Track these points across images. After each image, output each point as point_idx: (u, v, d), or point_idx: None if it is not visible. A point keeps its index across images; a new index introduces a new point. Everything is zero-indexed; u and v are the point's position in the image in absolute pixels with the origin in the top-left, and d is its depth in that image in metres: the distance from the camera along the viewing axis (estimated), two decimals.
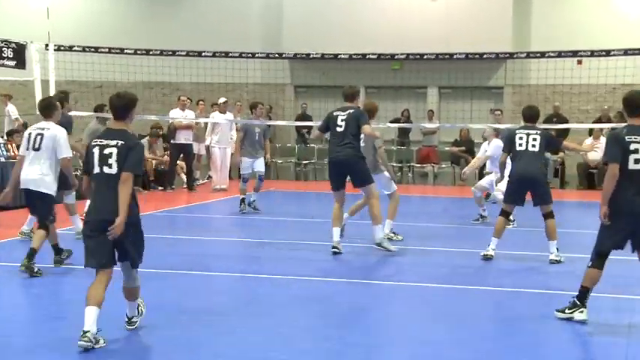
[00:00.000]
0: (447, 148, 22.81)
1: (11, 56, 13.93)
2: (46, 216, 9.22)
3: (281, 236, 12.53)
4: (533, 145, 10.20)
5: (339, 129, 10.70)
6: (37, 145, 9.13)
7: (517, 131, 10.48)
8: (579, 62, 18.26)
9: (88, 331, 6.20)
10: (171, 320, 7.56)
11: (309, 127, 20.75)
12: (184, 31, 23.90)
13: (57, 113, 9.43)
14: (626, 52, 14.19)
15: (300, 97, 24.65)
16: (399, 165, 22.17)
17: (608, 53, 14.41)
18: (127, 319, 6.90)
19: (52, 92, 14.36)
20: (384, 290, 9.36)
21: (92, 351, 6.26)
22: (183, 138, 18.97)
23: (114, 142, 6.44)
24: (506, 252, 10.77)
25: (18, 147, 17.11)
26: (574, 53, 15.01)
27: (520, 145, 10.26)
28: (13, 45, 13.99)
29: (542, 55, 16.00)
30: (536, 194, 10.38)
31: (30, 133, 9.26)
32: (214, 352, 6.63)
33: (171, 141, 19.06)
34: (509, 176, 10.54)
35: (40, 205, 9.27)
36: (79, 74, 16.16)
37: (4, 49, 13.80)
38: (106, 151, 6.43)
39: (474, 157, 21.82)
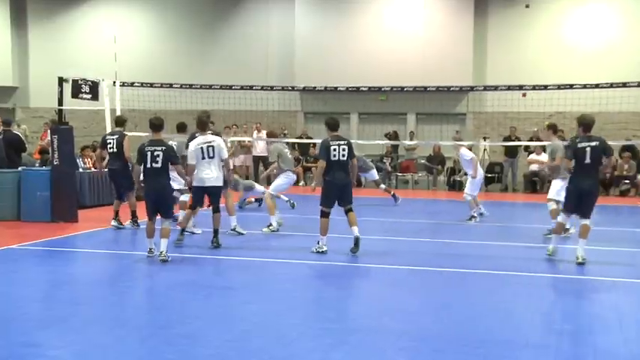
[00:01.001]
0: (422, 161, 23.02)
1: (88, 91, 13.93)
2: None
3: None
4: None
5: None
6: None
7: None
8: (524, 95, 18.48)
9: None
10: (204, 293, 7.81)
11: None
12: (218, 69, 24.19)
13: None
14: (559, 87, 14.38)
15: (309, 121, 24.89)
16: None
17: (545, 87, 14.57)
18: (161, 252, 8.93)
19: None
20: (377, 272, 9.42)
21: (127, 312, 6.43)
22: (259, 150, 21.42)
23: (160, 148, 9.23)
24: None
25: (93, 162, 17.42)
26: (520, 87, 15.20)
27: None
28: (90, 82, 14.05)
29: (496, 88, 16.18)
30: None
31: None
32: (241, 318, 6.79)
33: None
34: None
35: None
36: (139, 104, 16.35)
37: (82, 85, 13.84)
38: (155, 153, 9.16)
39: (443, 168, 22.22)
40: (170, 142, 10.00)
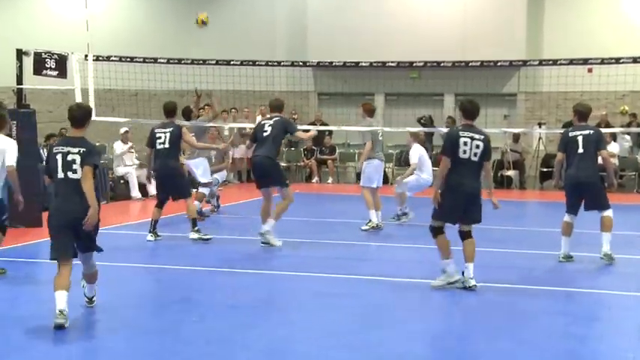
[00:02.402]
0: None
1: (54, 66, 13.93)
2: None
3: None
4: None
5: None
6: None
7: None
8: (590, 70, 18.22)
9: (63, 310, 6.79)
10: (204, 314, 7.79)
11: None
12: (214, 41, 24.11)
13: (7, 126, 9.41)
14: (635, 60, 14.15)
15: (323, 104, 24.77)
16: None
17: (617, 61, 14.34)
18: (87, 299, 7.61)
19: (91, 100, 14.54)
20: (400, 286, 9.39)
21: (140, 332, 6.45)
22: None
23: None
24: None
25: None
26: (585, 61, 14.95)
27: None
28: (56, 56, 14.04)
29: (554, 62, 15.92)
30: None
31: None
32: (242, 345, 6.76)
33: None
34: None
35: None
36: (117, 83, 16.28)
37: (47, 59, 13.82)
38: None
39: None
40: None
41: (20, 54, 13.72)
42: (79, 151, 6.90)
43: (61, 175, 6.95)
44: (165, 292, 8.95)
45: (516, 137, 21.70)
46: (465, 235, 8.62)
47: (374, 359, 6.41)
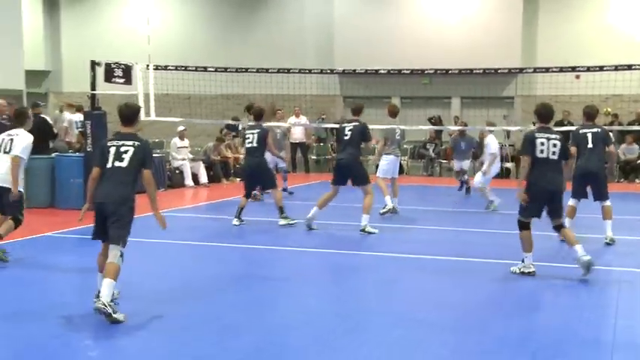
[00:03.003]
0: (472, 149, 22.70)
1: (121, 75, 14.03)
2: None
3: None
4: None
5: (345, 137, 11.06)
6: (7, 149, 8.46)
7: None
8: (577, 77, 18.11)
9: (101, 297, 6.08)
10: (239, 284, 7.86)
11: None
12: (254, 51, 24.19)
13: (28, 121, 8.90)
14: (616, 68, 14.04)
15: (348, 106, 24.75)
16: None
17: (601, 68, 14.23)
18: (97, 295, 6.23)
19: (152, 104, 14.68)
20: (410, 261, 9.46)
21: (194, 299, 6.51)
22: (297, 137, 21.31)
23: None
24: None
25: None
26: (573, 69, 14.85)
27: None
28: (123, 66, 14.18)
29: (547, 70, 15.82)
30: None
31: (3, 138, 8.57)
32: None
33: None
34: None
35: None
36: (173, 88, 16.41)
37: (115, 69, 13.96)
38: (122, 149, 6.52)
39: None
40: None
41: (94, 65, 13.88)
42: (133, 144, 6.49)
43: (109, 164, 6.45)
44: (215, 265, 8.96)
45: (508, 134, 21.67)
46: (558, 228, 8.31)
47: (393, 320, 6.46)
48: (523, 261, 8.23)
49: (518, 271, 8.22)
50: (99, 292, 6.17)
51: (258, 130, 11.88)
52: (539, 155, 8.03)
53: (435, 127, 21.57)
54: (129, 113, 6.72)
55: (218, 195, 16.23)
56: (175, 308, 6.71)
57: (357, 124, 11.13)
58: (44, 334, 5.92)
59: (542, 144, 8.04)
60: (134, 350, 5.65)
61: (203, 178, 18.19)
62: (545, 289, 7.86)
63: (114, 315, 6.02)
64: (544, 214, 8.26)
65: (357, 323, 6.41)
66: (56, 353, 5.46)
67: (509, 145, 21.51)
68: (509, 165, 21.40)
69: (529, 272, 8.15)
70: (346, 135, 11.05)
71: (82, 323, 6.18)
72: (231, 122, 19.56)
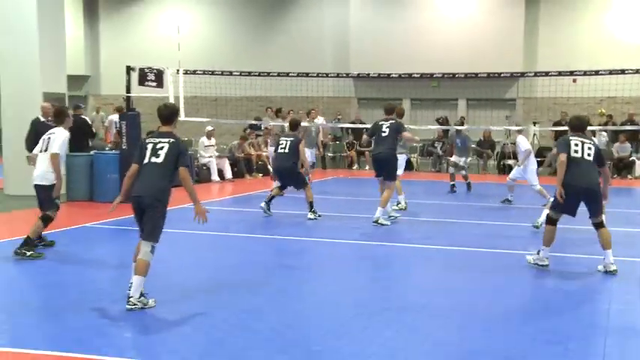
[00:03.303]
0: (473, 146, 22.63)
1: (153, 79, 14.10)
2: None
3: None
4: (589, 154, 7.79)
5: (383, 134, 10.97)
6: (46, 148, 8.27)
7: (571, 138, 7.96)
8: (574, 80, 18.00)
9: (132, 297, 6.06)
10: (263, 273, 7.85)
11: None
12: (276, 57, 24.21)
13: (68, 120, 8.63)
14: (610, 72, 13.96)
15: (362, 107, 24.77)
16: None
17: (596, 73, 14.18)
18: (128, 295, 6.12)
19: (181, 105, 14.73)
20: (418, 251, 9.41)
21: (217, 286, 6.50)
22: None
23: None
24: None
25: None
26: (570, 73, 14.82)
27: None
28: (155, 71, 14.24)
29: (546, 74, 15.83)
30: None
31: (43, 138, 8.37)
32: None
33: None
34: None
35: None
36: (200, 91, 16.53)
37: (148, 74, 14.03)
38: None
39: (493, 152, 21.81)
40: None
41: (129, 70, 13.95)
42: (169, 141, 6.34)
43: (146, 160, 6.31)
44: (238, 254, 8.96)
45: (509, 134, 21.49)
46: (597, 226, 7.77)
47: (401, 304, 6.47)
48: (539, 253, 7.93)
49: (532, 262, 7.96)
50: (132, 283, 6.17)
51: (292, 139, 11.85)
52: (573, 155, 7.61)
53: (442, 127, 21.47)
54: (167, 113, 6.57)
55: (242, 189, 16.29)
56: (200, 294, 6.73)
57: (393, 121, 11.13)
58: (81, 321, 5.93)
59: (577, 145, 7.67)
60: (163, 332, 5.69)
61: (228, 173, 18.23)
62: (546, 277, 7.78)
63: (146, 307, 6.09)
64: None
65: (371, 309, 6.40)
66: (90, 339, 5.47)
67: (512, 144, 21.34)
68: (511, 162, 21.24)
69: (542, 265, 7.86)
70: (384, 132, 11.00)
71: (117, 309, 6.20)
72: (253, 122, 19.61)
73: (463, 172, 15.82)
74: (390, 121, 11.13)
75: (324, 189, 15.45)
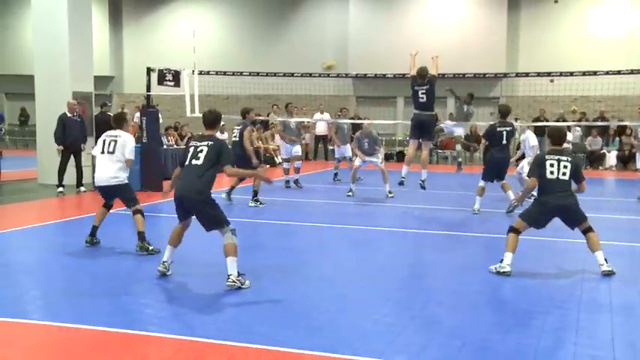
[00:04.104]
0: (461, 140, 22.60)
1: (171, 79, 14.05)
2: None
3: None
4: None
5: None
6: (110, 149, 7.77)
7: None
8: (552, 80, 17.93)
9: (166, 261, 6.35)
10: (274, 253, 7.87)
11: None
12: (282, 59, 24.12)
13: (126, 124, 8.21)
14: (584, 73, 13.85)
15: (360, 104, 24.70)
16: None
17: (571, 74, 14.03)
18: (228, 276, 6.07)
19: (196, 103, 14.67)
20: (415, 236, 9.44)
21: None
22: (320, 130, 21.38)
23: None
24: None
25: (176, 140, 17.67)
26: (548, 74, 14.67)
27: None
28: (172, 71, 14.19)
29: (526, 74, 15.78)
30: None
31: (104, 140, 7.83)
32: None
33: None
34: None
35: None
36: (213, 90, 16.41)
37: (166, 74, 13.97)
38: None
39: (479, 145, 21.73)
40: None
41: (149, 71, 13.92)
42: (208, 144, 6.23)
43: (187, 162, 6.25)
44: (248, 238, 9.04)
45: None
46: (585, 232, 6.95)
47: (397, 284, 6.46)
48: (502, 261, 6.84)
49: (494, 270, 6.83)
50: (163, 261, 6.30)
51: (240, 127, 11.38)
52: (549, 176, 6.72)
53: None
54: (211, 118, 6.46)
55: (250, 179, 16.22)
56: (212, 273, 6.75)
57: (428, 86, 11.00)
58: (110, 298, 5.95)
59: (552, 165, 6.76)
60: (181, 308, 5.70)
61: None
62: (548, 259, 7.75)
63: (243, 287, 6.04)
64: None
65: (368, 287, 6.41)
66: (120, 314, 5.49)
67: None
68: None
69: (504, 272, 6.74)
70: (421, 98, 10.85)
71: (140, 287, 6.21)
72: (258, 118, 19.53)
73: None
74: (426, 86, 10.83)
75: (327, 179, 15.45)
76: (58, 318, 5.26)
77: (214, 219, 6.21)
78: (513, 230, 6.89)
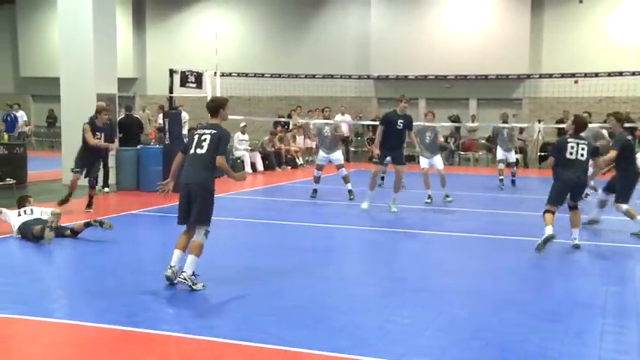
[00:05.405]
0: (482, 141, 22.48)
1: (193, 81, 14.17)
2: None
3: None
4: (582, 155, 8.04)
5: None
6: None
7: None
8: (576, 81, 17.73)
9: (173, 266, 6.11)
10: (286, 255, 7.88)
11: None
12: (303, 60, 24.10)
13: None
14: (609, 74, 13.73)
15: (382, 106, 24.62)
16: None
17: (596, 75, 13.96)
18: (182, 273, 6.06)
19: None
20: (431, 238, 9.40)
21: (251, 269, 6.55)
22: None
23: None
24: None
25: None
26: (572, 75, 14.64)
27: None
28: (195, 73, 14.31)
29: (550, 76, 15.62)
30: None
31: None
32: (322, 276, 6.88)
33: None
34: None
35: None
36: (236, 91, 16.57)
37: (189, 76, 14.09)
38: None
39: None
40: None
41: (171, 73, 14.01)
42: (211, 132, 6.21)
43: (192, 151, 6.20)
44: (268, 238, 9.00)
45: (521, 130, 21.21)
46: (573, 208, 8.24)
47: (417, 285, 6.44)
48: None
49: (540, 241, 7.78)
50: (171, 265, 6.14)
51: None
52: (568, 157, 7.97)
53: (454, 124, 21.33)
54: (212, 105, 6.43)
55: (272, 180, 16.35)
56: (232, 274, 6.77)
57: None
58: (128, 297, 6.00)
59: (572, 147, 8.01)
60: (200, 308, 5.73)
61: (260, 166, 18.28)
62: (572, 262, 7.70)
63: (194, 287, 6.03)
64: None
65: (388, 288, 6.38)
66: (136, 314, 5.54)
67: (519, 139, 21.09)
68: (517, 156, 21.03)
69: (547, 237, 7.72)
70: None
71: (160, 287, 6.25)
72: (277, 119, 19.57)
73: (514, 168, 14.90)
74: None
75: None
76: (80, 317, 5.31)
77: (205, 213, 6.15)
78: (547, 211, 8.04)
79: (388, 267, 7.44)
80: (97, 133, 10.60)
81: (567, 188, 8.06)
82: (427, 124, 12.68)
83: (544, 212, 8.05)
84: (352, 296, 6.08)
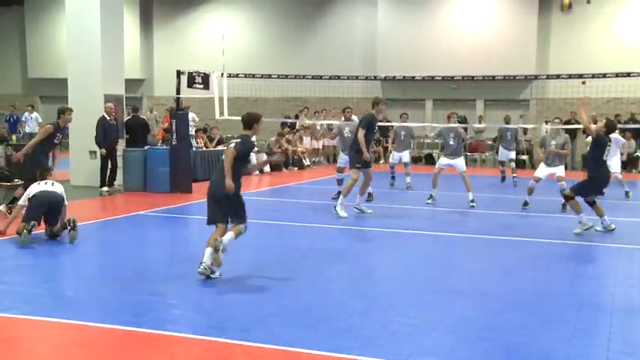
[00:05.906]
0: (489, 142, 22.43)
1: (200, 82, 14.18)
2: None
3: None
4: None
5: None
6: None
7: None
8: (583, 82, 17.57)
9: (203, 262, 6.36)
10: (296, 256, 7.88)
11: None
12: (310, 61, 24.14)
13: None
14: (617, 75, 13.64)
15: (389, 107, 24.48)
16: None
17: (604, 75, 13.82)
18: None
19: (225, 106, 14.77)
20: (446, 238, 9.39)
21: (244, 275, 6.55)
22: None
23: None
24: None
25: (205, 143, 17.81)
26: (580, 76, 14.49)
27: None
28: (202, 74, 14.32)
29: (557, 76, 15.43)
30: None
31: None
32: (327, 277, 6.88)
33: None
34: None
35: None
36: (242, 92, 16.52)
37: (196, 77, 14.10)
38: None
39: None
40: None
41: (179, 74, 14.03)
42: (237, 140, 6.67)
43: (223, 157, 6.72)
44: (276, 239, 9.01)
45: (525, 131, 21.15)
46: (594, 204, 9.13)
47: (422, 286, 6.42)
48: (580, 222, 8.96)
49: (579, 231, 8.88)
50: (202, 262, 6.34)
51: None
52: (604, 158, 8.92)
53: (461, 125, 21.20)
54: (247, 119, 6.82)
55: (279, 181, 16.36)
56: (239, 275, 6.77)
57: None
58: (137, 297, 6.01)
59: (607, 151, 8.96)
60: (210, 308, 5.73)
61: (266, 167, 18.28)
62: (579, 263, 7.67)
63: (212, 276, 6.40)
64: None
65: (395, 287, 6.38)
66: (144, 314, 5.55)
67: (525, 140, 21.05)
68: (524, 157, 21.01)
69: (589, 227, 8.90)
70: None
71: (168, 287, 6.26)
72: (284, 120, 19.54)
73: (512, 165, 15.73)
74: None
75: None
76: (87, 317, 5.32)
77: (238, 212, 6.64)
78: (569, 198, 8.93)
79: (393, 268, 7.43)
80: (58, 134, 9.85)
81: (603, 185, 9.00)
82: (451, 125, 12.74)
83: (567, 201, 9.15)
84: (359, 297, 6.07)
